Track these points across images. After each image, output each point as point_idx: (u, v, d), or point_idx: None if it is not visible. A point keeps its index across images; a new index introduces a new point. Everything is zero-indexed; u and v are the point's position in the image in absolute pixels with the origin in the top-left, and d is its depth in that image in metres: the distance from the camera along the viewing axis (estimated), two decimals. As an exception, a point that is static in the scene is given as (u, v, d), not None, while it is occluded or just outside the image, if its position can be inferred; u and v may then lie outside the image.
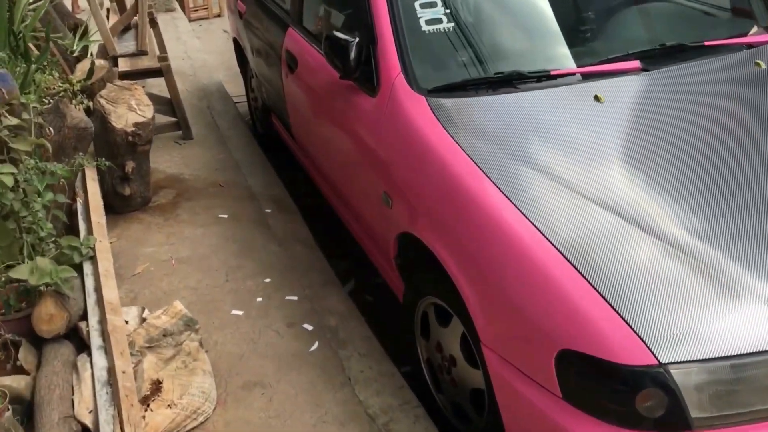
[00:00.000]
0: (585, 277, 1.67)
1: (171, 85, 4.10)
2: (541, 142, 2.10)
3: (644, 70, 2.37)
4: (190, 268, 2.99)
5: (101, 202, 2.94)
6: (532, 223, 1.82)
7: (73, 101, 3.31)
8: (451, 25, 2.50)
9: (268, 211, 3.48)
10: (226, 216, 3.43)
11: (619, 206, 1.84)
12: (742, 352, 1.55)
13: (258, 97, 4.43)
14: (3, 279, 2.37)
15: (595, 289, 1.65)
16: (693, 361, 1.54)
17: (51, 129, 2.74)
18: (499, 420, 2.00)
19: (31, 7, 3.86)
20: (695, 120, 2.16)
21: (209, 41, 6.87)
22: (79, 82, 3.32)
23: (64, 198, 2.82)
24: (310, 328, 2.63)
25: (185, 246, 3.17)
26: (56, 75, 3.35)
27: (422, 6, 2.54)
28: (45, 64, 3.36)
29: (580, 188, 1.91)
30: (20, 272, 2.32)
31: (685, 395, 1.54)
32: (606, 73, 2.36)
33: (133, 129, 3.22)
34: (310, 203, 3.71)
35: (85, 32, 4.66)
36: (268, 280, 2.92)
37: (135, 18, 4.49)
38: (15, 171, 2.35)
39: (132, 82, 3.47)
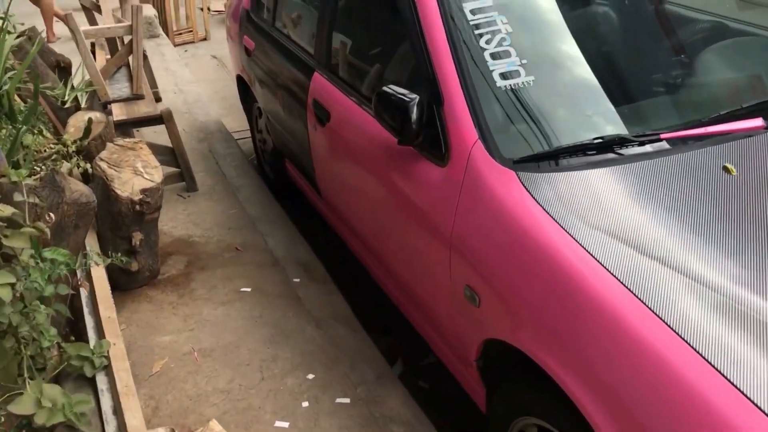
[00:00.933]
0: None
1: (173, 134, 3.65)
2: (672, 230, 1.70)
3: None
4: (217, 364, 2.55)
5: (109, 290, 2.49)
6: (693, 348, 1.41)
7: (69, 164, 2.86)
8: (531, 78, 2.10)
9: (297, 280, 3.05)
10: (248, 289, 2.99)
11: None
12: None
13: (267, 139, 4.00)
14: (1, 413, 1.92)
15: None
16: None
17: (51, 215, 2.29)
18: None
19: (14, 42, 3.39)
20: None
21: (198, 69, 6.42)
22: (75, 142, 2.86)
23: (67, 289, 2.37)
24: (372, 442, 2.21)
25: (207, 332, 2.73)
26: (47, 134, 2.89)
27: (493, 57, 2.13)
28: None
29: (743, 297, 1.51)
30: (23, 406, 1.87)
31: None
32: (723, 134, 1.98)
33: (141, 197, 2.78)
34: (337, 261, 3.30)
35: (67, 71, 4.19)
36: (311, 376, 2.48)
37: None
38: (14, 280, 1.90)
39: (134, 140, 3.01)
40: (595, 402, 1.55)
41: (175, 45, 7.10)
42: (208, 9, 7.73)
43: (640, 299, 1.54)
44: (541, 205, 1.80)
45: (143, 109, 3.67)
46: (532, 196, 1.83)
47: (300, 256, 3.23)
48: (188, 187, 3.81)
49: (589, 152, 1.94)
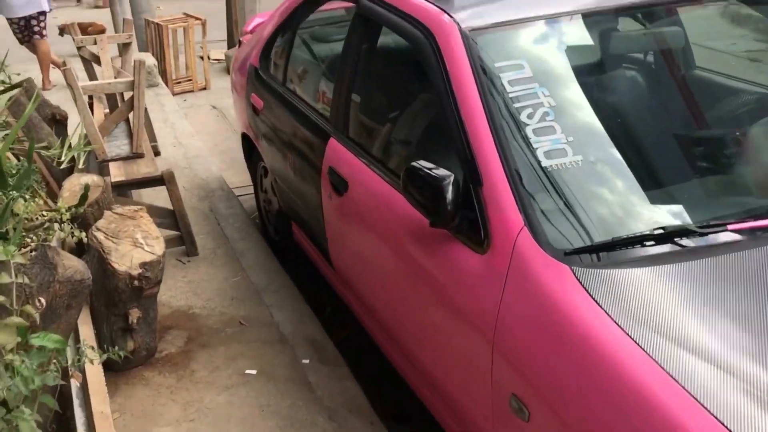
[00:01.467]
0: None
1: (174, 197, 3.43)
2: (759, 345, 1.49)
3: None
4: (221, 462, 2.29)
5: (103, 381, 2.24)
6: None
7: (62, 232, 2.63)
8: (578, 158, 1.90)
9: (306, 361, 2.80)
10: (254, 372, 2.74)
11: None
12: None
13: (273, 200, 3.79)
14: None
15: None
16: None
17: (42, 300, 2.05)
18: None
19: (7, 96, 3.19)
20: None
21: (198, 120, 6.24)
22: (69, 209, 2.63)
23: (56, 379, 2.12)
24: None
25: (208, 423, 2.47)
26: (40, 197, 2.66)
27: (536, 133, 1.94)
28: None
29: None
30: None
31: None
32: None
33: (140, 271, 2.54)
34: (346, 335, 3.06)
35: (63, 125, 3.99)
36: (325, 478, 2.23)
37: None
38: (-4, 385, 1.66)
39: (133, 208, 2.79)
40: None
41: (174, 94, 6.93)
42: (208, 57, 7.60)
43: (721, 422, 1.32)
44: (604, 309, 1.58)
45: (143, 169, 3.46)
46: (591, 297, 1.61)
47: (309, 333, 2.99)
48: (188, 251, 3.58)
49: (650, 244, 1.73)
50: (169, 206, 3.53)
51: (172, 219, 3.51)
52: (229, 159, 5.36)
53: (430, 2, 2.34)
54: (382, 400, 2.68)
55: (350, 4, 2.93)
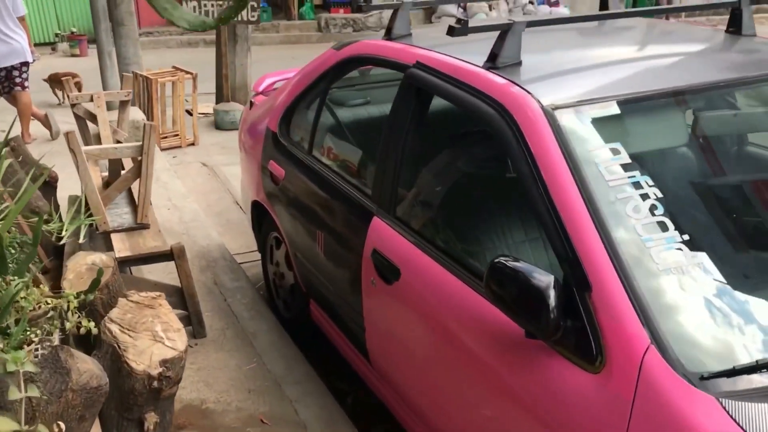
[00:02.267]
0: None
1: (184, 274, 3.10)
2: None
3: None
4: None
5: None
6: None
7: (68, 323, 2.29)
8: (701, 260, 1.65)
9: (343, 470, 2.47)
10: (284, 484, 2.39)
11: None
12: None
13: (286, 274, 3.48)
14: None
15: None
16: None
17: (62, 426, 1.71)
18: None
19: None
20: None
21: (189, 178, 5.93)
22: (78, 296, 2.30)
23: None
24: None
25: None
26: (45, 287, 2.32)
27: (646, 229, 1.69)
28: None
29: None
30: None
31: None
32: None
33: (161, 370, 2.21)
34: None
35: (52, 186, 3.67)
36: None
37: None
38: None
39: (151, 295, 2.46)
40: None
41: (162, 149, 6.62)
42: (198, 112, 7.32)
43: None
44: (769, 453, 1.31)
45: (150, 243, 3.13)
46: (747, 435, 1.34)
47: (341, 434, 2.66)
48: (195, 332, 3.24)
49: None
50: (170, 281, 3.19)
51: (178, 297, 3.17)
52: (225, 222, 5.06)
53: (494, 73, 2.11)
54: None
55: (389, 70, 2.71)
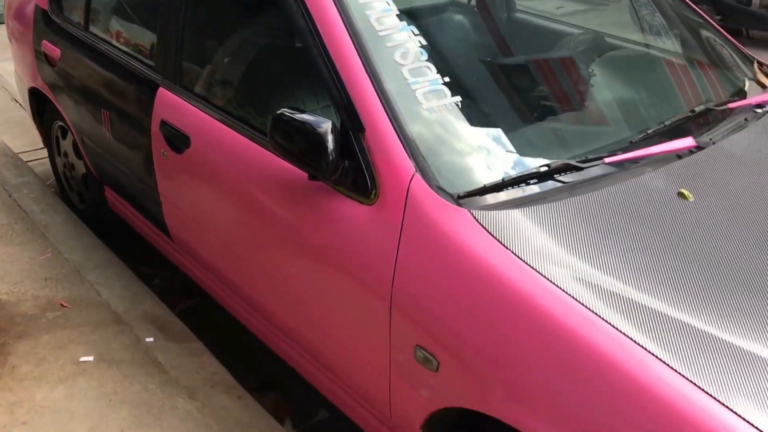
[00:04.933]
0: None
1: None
2: (652, 268, 1.55)
3: (699, 147, 1.93)
4: (73, 467, 1.99)
5: None
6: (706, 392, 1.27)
7: None
8: (457, 99, 1.85)
9: (150, 340, 2.52)
10: (90, 358, 2.40)
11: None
12: None
13: (76, 164, 3.33)
14: None
15: None
16: None
17: None
18: None
19: None
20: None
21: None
22: None
23: None
24: None
25: (47, 425, 2.12)
26: None
27: (412, 73, 1.85)
28: None
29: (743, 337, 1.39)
30: None
31: None
32: (659, 156, 1.88)
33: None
34: (188, 308, 2.82)
35: None
36: (202, 465, 2.02)
37: None
38: None
39: None
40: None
41: None
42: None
43: (651, 353, 1.35)
44: (508, 249, 1.55)
45: None
46: (496, 238, 1.57)
47: (147, 309, 2.69)
48: (-22, 229, 3.05)
49: (536, 181, 1.73)
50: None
51: (-46, 193, 2.95)
52: (3, 120, 4.66)
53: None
54: (246, 371, 2.49)
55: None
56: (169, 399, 2.25)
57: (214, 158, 2.21)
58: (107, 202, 3.18)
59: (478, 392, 1.57)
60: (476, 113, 1.88)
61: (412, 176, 1.70)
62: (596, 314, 1.42)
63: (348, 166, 1.77)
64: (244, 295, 2.33)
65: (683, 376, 1.30)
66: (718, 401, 1.27)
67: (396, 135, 1.74)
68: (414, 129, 1.76)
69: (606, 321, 1.41)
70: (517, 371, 1.49)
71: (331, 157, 1.73)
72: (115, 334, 2.53)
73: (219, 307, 2.51)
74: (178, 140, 2.32)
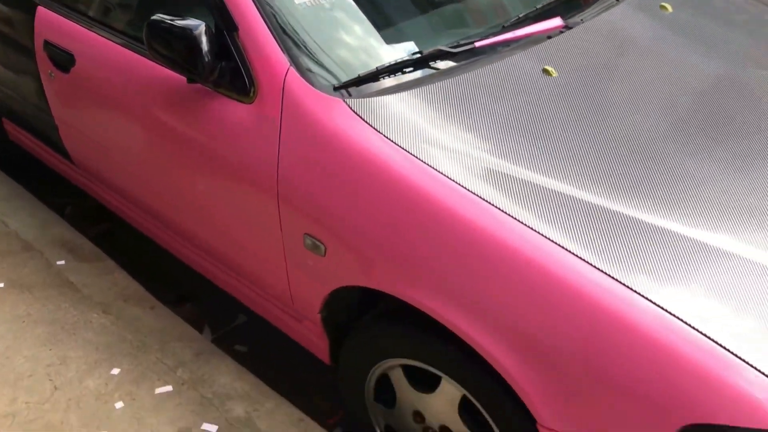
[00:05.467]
0: (688, 323, 1.30)
1: None
2: (520, 142, 1.65)
3: (568, 27, 2.01)
4: (-11, 384, 2.04)
5: None
6: (592, 265, 1.38)
7: None
8: (329, -7, 1.88)
9: (62, 263, 2.54)
10: (1, 285, 2.42)
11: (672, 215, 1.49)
12: None
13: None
14: None
15: (704, 334, 1.29)
16: None
17: None
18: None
19: None
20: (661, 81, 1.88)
21: None
22: None
23: None
24: (214, 429, 1.93)
25: (-40, 349, 2.17)
26: None
27: (281, -34, 1.86)
28: None
29: (614, 199, 1.51)
30: None
31: None
32: (530, 38, 1.95)
33: None
34: (102, 232, 2.84)
35: None
36: (116, 371, 2.10)
37: None
38: None
39: None
40: (493, 339, 1.46)
41: None
42: None
43: (520, 220, 1.45)
44: (382, 134, 1.63)
45: None
46: (370, 125, 1.64)
47: (57, 235, 2.70)
48: None
49: (410, 69, 1.80)
50: None
51: None
52: None
53: None
54: (163, 287, 2.55)
55: None
56: (83, 315, 2.30)
57: (99, 73, 2.20)
58: (8, 135, 3.12)
59: (364, 271, 1.67)
60: (350, 6, 1.92)
61: (287, 70, 1.74)
62: (466, 188, 1.50)
63: (225, 66, 1.80)
64: (150, 210, 2.36)
65: (554, 241, 1.40)
66: (592, 265, 1.37)
67: (269, 31, 1.77)
68: (287, 24, 1.79)
69: (473, 192, 1.50)
70: (397, 247, 1.58)
71: (206, 59, 1.75)
72: (26, 261, 2.54)
73: (133, 228, 2.54)
74: (62, 59, 2.29)
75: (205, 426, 1.93)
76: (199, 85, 1.86)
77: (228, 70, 1.81)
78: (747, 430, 1.24)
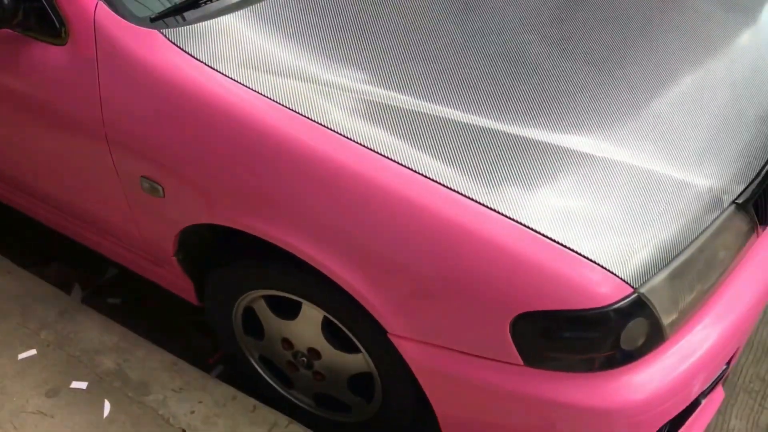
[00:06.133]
0: (510, 218, 1.33)
1: None
2: (356, 55, 1.61)
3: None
4: None
5: None
6: (420, 173, 1.38)
7: None
8: None
9: None
10: None
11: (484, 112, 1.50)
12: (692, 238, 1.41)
13: None
14: None
15: (526, 226, 1.33)
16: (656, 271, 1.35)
17: None
18: (395, 400, 1.69)
19: None
20: None
21: None
22: None
23: None
24: (83, 385, 1.89)
25: None
26: None
27: None
28: None
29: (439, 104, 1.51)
30: None
31: (660, 309, 1.36)
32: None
33: None
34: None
35: None
36: (-26, 342, 2.00)
37: None
38: None
39: None
40: (337, 258, 1.45)
41: None
42: None
43: (354, 140, 1.43)
44: (203, 62, 1.55)
45: None
46: (190, 54, 1.56)
47: None
48: None
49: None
50: None
51: None
52: None
53: None
54: (25, 251, 2.43)
55: None
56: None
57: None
58: None
59: (204, 208, 1.63)
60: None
61: (96, 5, 1.62)
62: (293, 110, 1.47)
63: (29, 7, 1.67)
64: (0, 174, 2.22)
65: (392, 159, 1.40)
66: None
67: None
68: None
69: (301, 114, 1.46)
70: (231, 180, 1.54)
71: (7, 2, 1.62)
72: None
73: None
74: None
75: (75, 384, 1.88)
76: (8, 31, 1.72)
77: (33, 10, 1.67)
78: (572, 311, 1.30)
